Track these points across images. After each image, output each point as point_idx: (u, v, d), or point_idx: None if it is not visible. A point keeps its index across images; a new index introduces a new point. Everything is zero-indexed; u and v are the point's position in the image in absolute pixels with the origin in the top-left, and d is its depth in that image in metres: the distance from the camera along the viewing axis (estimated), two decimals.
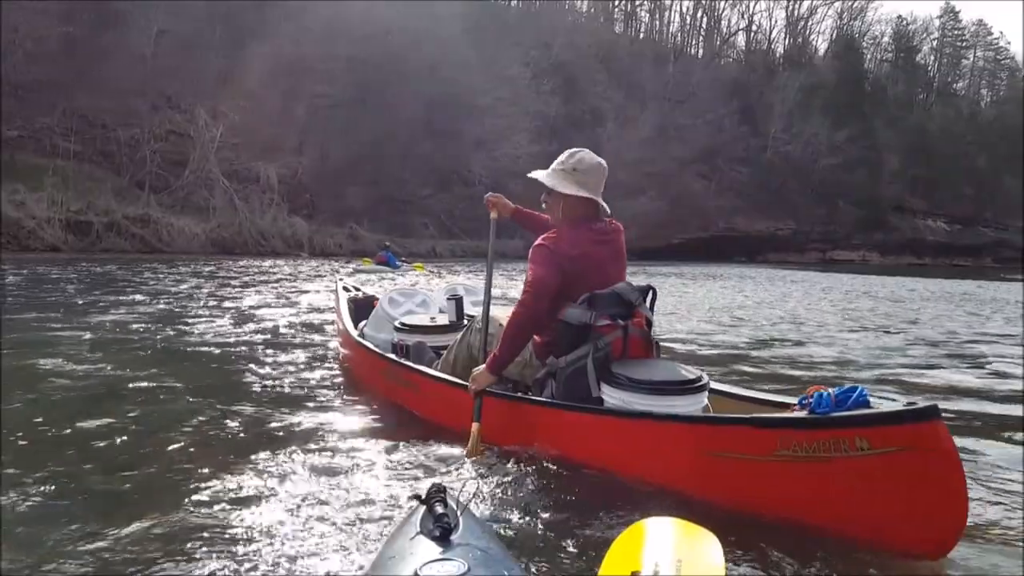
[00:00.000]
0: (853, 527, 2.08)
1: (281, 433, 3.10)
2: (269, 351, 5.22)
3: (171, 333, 6.02)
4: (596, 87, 40.14)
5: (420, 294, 4.53)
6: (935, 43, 63.33)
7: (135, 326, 6.42)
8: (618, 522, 2.09)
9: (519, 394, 3.03)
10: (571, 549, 2.00)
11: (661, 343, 2.99)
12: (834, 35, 61.47)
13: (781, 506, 2.17)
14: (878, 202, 50.61)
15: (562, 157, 2.96)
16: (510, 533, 2.08)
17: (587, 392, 2.70)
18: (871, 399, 2.12)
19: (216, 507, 2.21)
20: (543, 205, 3.06)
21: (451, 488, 1.53)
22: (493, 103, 35.01)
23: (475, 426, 2.88)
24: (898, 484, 2.01)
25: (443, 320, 3.91)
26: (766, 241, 44.66)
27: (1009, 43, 66.97)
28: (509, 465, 2.61)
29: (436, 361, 3.57)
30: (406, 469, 2.62)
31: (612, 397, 2.65)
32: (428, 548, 1.29)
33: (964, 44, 64.02)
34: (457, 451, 2.82)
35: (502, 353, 2.94)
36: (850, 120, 50.00)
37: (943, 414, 1.98)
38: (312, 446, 2.90)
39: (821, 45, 62.21)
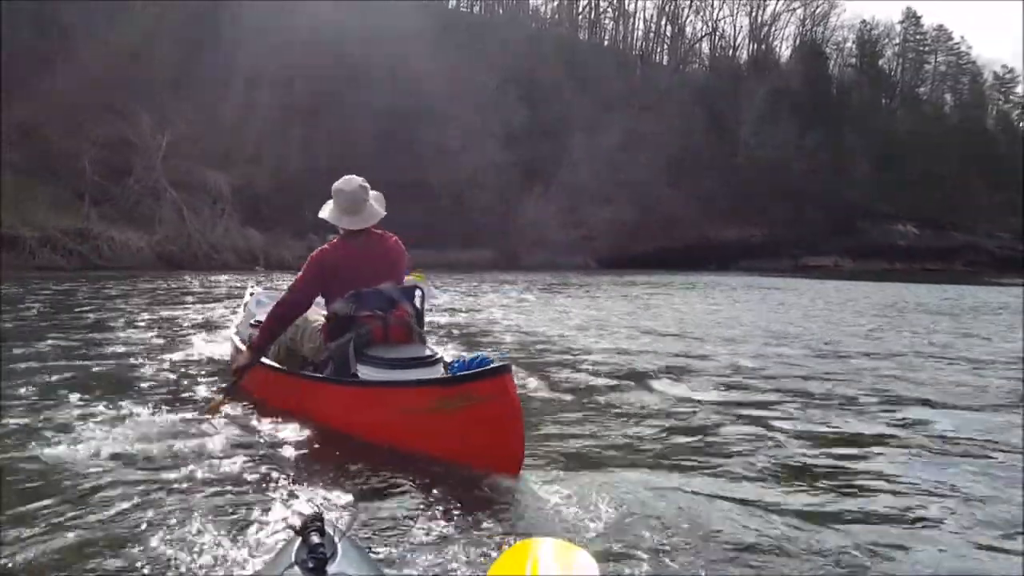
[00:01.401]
0: (471, 457, 2.77)
1: (152, 455, 2.96)
2: (180, 367, 5.10)
3: (78, 356, 5.50)
4: (562, 94, 39.27)
5: None
6: (897, 48, 63.84)
7: (40, 350, 5.80)
8: (499, 540, 2.21)
9: (303, 371, 3.68)
10: (454, 571, 2.05)
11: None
12: (797, 41, 61.73)
13: (440, 446, 2.84)
14: (849, 207, 50.43)
15: (336, 189, 3.68)
16: (393, 558, 2.11)
17: (348, 369, 3.32)
18: (495, 362, 2.91)
19: (67, 549, 2.06)
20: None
21: (331, 514, 1.67)
22: (457, 111, 33.92)
23: (221, 395, 3.76)
24: (486, 423, 2.75)
25: None
26: (739, 248, 43.97)
27: (970, 48, 67.24)
28: (388, 482, 2.71)
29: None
30: (286, 491, 2.60)
31: (363, 373, 3.28)
32: None
33: (926, 49, 64.63)
34: (344, 468, 2.86)
35: (260, 339, 3.79)
36: (818, 125, 49.83)
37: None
38: (184, 468, 2.81)
39: (785, 52, 62.41)
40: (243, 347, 4.12)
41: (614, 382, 5.06)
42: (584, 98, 39.11)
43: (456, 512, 2.42)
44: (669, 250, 39.57)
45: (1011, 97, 68.27)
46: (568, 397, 4.51)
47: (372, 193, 3.77)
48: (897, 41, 63.81)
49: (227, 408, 3.65)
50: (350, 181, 3.67)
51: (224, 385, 4.00)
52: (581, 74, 41.05)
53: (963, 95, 65.59)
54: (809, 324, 10.27)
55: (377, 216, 3.74)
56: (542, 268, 30.43)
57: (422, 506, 2.47)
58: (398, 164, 31.98)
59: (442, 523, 2.33)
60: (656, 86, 46.92)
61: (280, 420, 3.44)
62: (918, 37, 64.16)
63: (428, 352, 3.34)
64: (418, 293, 3.64)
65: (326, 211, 3.73)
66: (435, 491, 2.58)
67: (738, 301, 15.25)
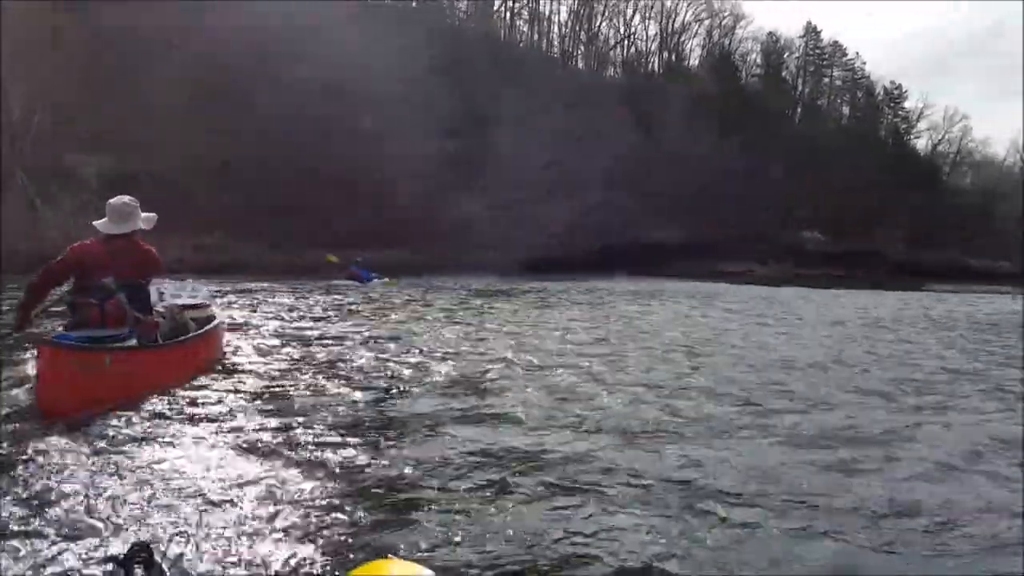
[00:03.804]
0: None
1: None
2: None
3: None
4: (489, 89, 36.69)
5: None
6: (799, 61, 65.59)
7: None
8: (348, 561, 2.16)
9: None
10: None
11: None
12: (705, 52, 62.29)
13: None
14: (763, 213, 50.70)
15: (107, 204, 4.97)
16: None
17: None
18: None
19: None
20: None
21: (161, 541, 1.50)
22: (380, 100, 30.56)
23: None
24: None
25: None
26: (664, 252, 42.86)
27: (864, 63, 69.90)
28: (227, 503, 2.56)
29: None
30: (109, 515, 2.38)
31: None
32: None
33: (824, 63, 66.75)
34: (178, 486, 2.67)
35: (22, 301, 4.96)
36: (733, 133, 49.94)
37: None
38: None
39: (695, 62, 62.75)
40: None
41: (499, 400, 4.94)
42: (511, 94, 36.61)
43: (302, 534, 2.34)
44: (597, 254, 37.84)
45: (899, 112, 71.78)
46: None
47: (144, 215, 5.07)
48: (798, 55, 65.62)
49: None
50: (119, 199, 4.95)
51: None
52: (506, 70, 38.61)
53: (859, 108, 68.16)
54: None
55: (133, 226, 4.95)
56: (469, 271, 28.20)
57: (263, 527, 2.37)
58: (312, 155, 28.39)
59: (286, 546, 2.25)
60: (579, 88, 45.27)
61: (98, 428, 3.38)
62: (817, 51, 66.20)
63: (110, 333, 4.52)
64: (155, 289, 5.27)
65: (104, 226, 4.89)
66: (277, 511, 2.48)
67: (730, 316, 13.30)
